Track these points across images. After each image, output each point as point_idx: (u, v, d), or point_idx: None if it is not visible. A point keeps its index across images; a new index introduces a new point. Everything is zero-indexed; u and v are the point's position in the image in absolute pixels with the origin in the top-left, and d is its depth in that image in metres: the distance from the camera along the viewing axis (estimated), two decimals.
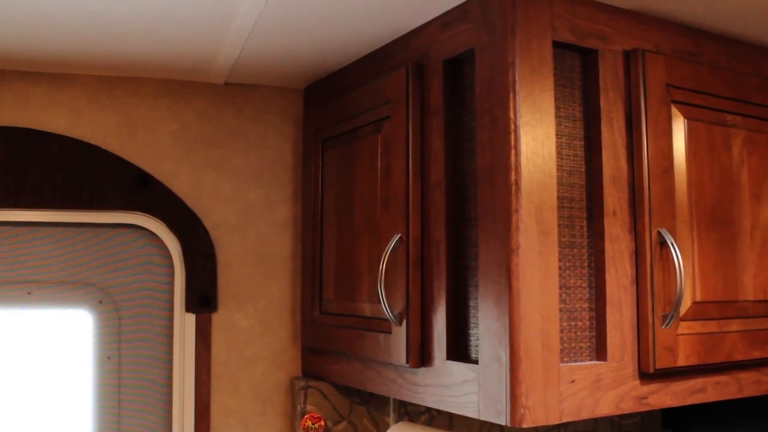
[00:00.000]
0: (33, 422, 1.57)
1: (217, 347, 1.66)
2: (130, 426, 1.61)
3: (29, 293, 1.58)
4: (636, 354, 1.19)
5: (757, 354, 1.32)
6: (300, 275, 1.74)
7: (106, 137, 1.62)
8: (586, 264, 1.18)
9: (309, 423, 1.61)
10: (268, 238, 1.72)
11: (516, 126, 1.09)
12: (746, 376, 1.33)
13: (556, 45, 1.16)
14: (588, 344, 1.17)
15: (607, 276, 1.17)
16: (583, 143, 1.20)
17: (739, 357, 1.29)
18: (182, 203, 1.64)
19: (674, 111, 1.26)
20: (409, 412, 1.70)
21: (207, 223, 1.66)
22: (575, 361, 1.15)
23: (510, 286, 1.07)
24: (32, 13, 1.28)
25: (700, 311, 1.26)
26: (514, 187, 1.08)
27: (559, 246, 1.14)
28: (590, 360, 1.17)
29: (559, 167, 1.16)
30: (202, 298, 1.64)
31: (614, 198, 1.19)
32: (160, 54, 1.49)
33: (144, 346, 1.63)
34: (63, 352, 1.60)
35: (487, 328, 1.11)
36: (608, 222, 1.18)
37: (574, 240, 1.17)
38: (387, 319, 1.32)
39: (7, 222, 1.57)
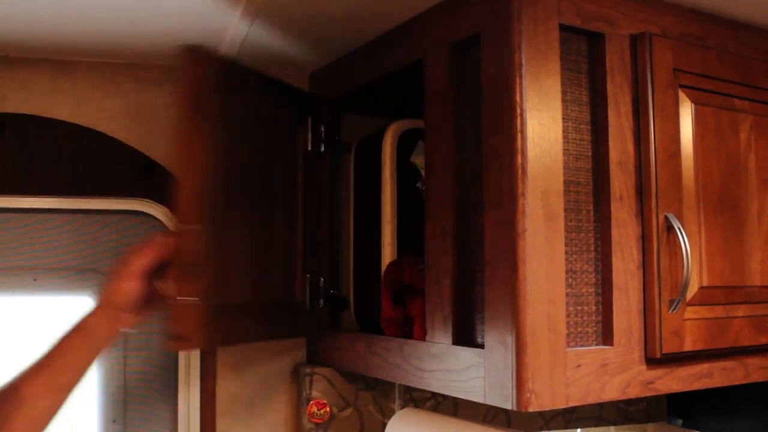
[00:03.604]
0: None
1: None
2: (136, 411, 1.61)
3: (35, 279, 1.58)
4: (642, 339, 1.19)
5: (764, 339, 1.32)
6: None
7: (110, 124, 1.62)
8: (592, 249, 1.18)
9: (314, 409, 1.61)
10: None
11: (522, 110, 1.09)
12: (753, 362, 1.33)
13: (563, 29, 1.15)
14: (594, 329, 1.17)
15: (614, 261, 1.17)
16: (589, 127, 1.20)
17: (745, 342, 1.29)
18: None
19: (681, 95, 1.26)
20: (415, 398, 1.70)
21: None
22: (581, 346, 1.15)
23: (516, 270, 1.07)
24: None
25: (707, 296, 1.25)
26: (520, 171, 1.08)
27: (566, 230, 1.13)
28: (596, 345, 1.17)
29: (566, 151, 1.16)
30: None
31: (621, 182, 1.19)
32: (164, 40, 1.49)
33: (149, 332, 1.63)
34: None
35: (493, 313, 1.10)
36: (615, 206, 1.18)
37: (580, 224, 1.17)
38: None
39: (13, 209, 1.57)
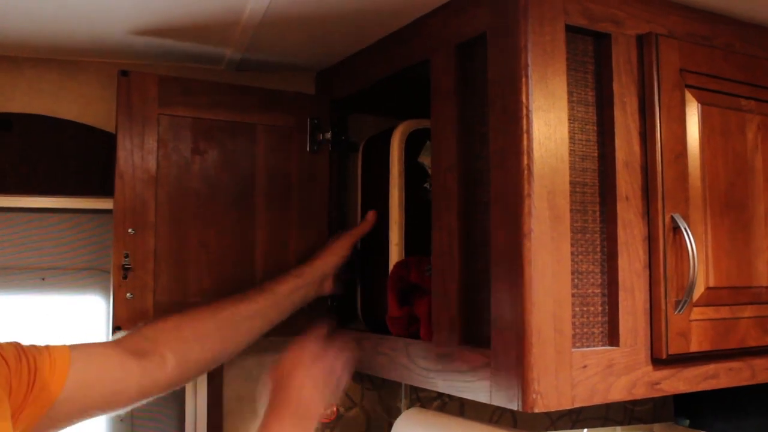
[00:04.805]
0: None
1: None
2: (143, 410, 1.62)
3: (43, 279, 1.59)
4: (649, 339, 1.18)
5: None
6: None
7: None
8: (598, 249, 1.18)
9: None
10: None
11: (528, 110, 1.09)
12: (759, 363, 1.32)
13: (569, 29, 1.15)
14: (600, 329, 1.17)
15: (620, 261, 1.17)
16: (595, 128, 1.19)
17: (752, 343, 1.29)
18: None
19: (688, 95, 1.25)
20: (421, 398, 1.70)
21: None
22: (587, 347, 1.15)
23: (522, 271, 1.07)
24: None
25: (714, 297, 1.25)
26: (526, 171, 1.08)
27: (572, 231, 1.13)
28: (603, 345, 1.17)
29: (572, 152, 1.16)
30: None
31: (627, 183, 1.18)
32: (170, 40, 1.49)
33: None
34: (77, 337, 1.61)
35: (498, 313, 1.11)
36: (621, 207, 1.17)
37: (586, 225, 1.17)
38: None
39: (21, 208, 1.58)
